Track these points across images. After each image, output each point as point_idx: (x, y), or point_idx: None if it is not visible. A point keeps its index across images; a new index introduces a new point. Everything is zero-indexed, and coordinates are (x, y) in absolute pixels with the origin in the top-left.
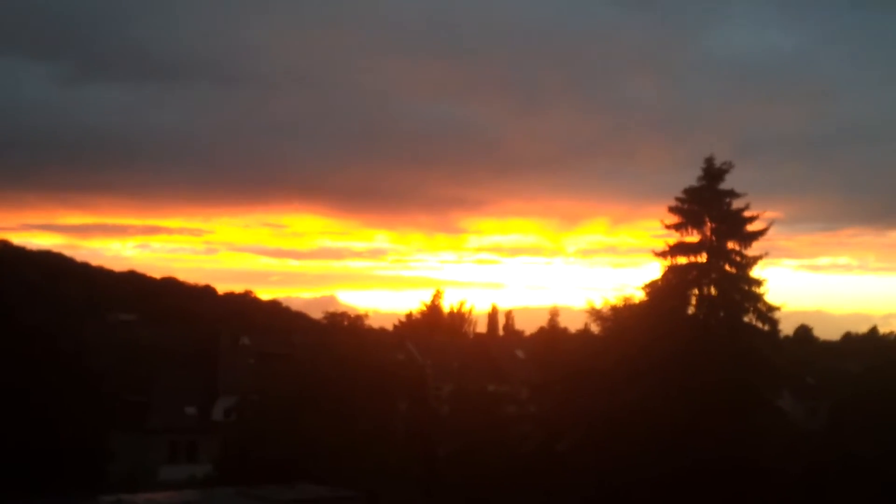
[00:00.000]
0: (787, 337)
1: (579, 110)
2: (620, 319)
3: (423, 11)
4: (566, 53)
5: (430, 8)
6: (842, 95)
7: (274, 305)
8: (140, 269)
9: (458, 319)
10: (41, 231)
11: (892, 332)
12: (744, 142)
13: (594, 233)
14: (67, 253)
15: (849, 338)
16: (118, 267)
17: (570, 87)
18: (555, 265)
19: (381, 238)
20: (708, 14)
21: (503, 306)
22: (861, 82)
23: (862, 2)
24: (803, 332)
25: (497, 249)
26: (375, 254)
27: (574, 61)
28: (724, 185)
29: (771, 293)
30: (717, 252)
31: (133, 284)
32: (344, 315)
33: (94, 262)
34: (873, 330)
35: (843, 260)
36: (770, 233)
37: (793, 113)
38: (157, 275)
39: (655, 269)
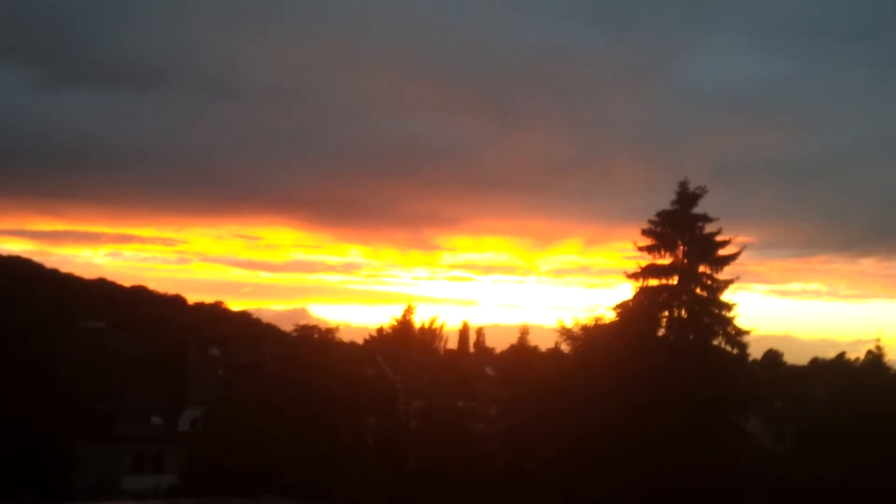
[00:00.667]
0: (755, 361)
1: (557, 131)
2: (591, 339)
3: (404, 30)
4: (545, 75)
5: (410, 26)
6: (817, 124)
7: (244, 317)
8: (111, 278)
9: (430, 335)
10: (11, 237)
11: (858, 359)
12: (720, 166)
13: (568, 253)
14: (37, 259)
15: (816, 363)
16: (88, 274)
17: (549, 108)
18: (528, 284)
19: (354, 252)
20: (687, 40)
21: (475, 323)
22: (836, 112)
23: (837, 32)
24: (772, 357)
25: (470, 267)
26: (349, 268)
27: (553, 83)
28: (698, 210)
29: (741, 317)
30: (688, 275)
31: (103, 292)
32: (314, 328)
33: (65, 269)
34: (840, 356)
35: (813, 286)
36: (742, 257)
37: (769, 140)
38: (128, 283)
39: (627, 291)
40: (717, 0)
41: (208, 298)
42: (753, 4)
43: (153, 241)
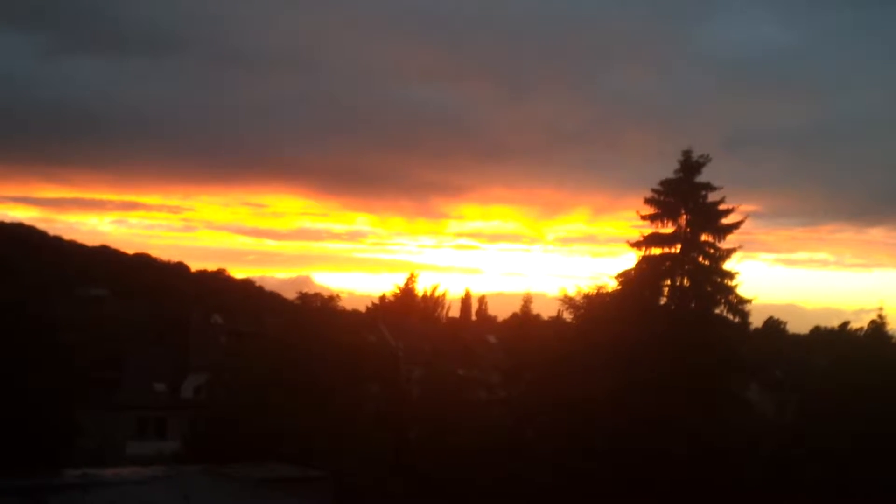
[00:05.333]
0: (757, 329)
1: (566, 99)
2: (593, 308)
3: None
4: (556, 42)
5: None
6: (830, 92)
7: (247, 284)
8: (115, 245)
9: (432, 303)
10: (16, 203)
11: (861, 328)
12: (730, 135)
13: (575, 222)
14: (42, 226)
15: (818, 332)
16: (93, 242)
17: (558, 76)
18: (533, 253)
19: (361, 221)
20: (700, 7)
21: (478, 292)
22: (850, 80)
23: (852, 1)
24: (773, 325)
25: (477, 235)
26: (354, 236)
27: (563, 50)
28: (702, 178)
29: (745, 286)
30: (691, 244)
31: (106, 259)
32: (316, 296)
33: (69, 236)
34: (844, 325)
35: (820, 255)
36: (749, 226)
37: (781, 108)
38: (133, 250)
39: (632, 260)
40: None
41: (213, 266)
42: None
43: (159, 208)
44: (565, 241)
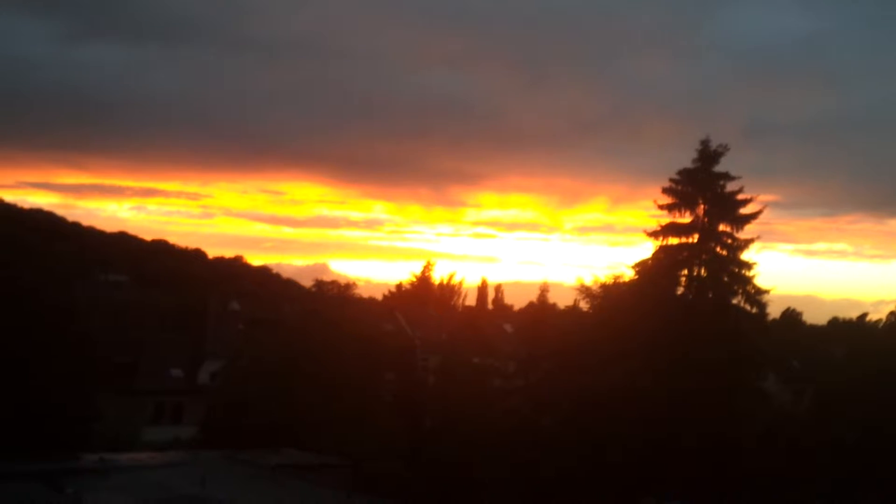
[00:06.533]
0: (774, 320)
1: (586, 87)
2: (610, 297)
3: None
4: (576, 29)
5: None
6: (851, 82)
7: (264, 272)
8: (133, 231)
9: (448, 292)
10: (37, 189)
11: (880, 320)
12: (751, 124)
13: (593, 211)
14: (61, 212)
15: (835, 323)
16: (111, 228)
17: (578, 64)
18: (551, 242)
19: (378, 208)
20: None
21: (495, 280)
22: (871, 70)
23: None
24: (791, 316)
25: (494, 224)
26: (372, 224)
27: (583, 38)
28: (720, 168)
29: (763, 276)
30: (708, 234)
31: (124, 246)
32: (333, 284)
33: (88, 222)
34: (862, 316)
35: (839, 246)
36: (769, 217)
37: (800, 97)
38: (151, 237)
39: (649, 249)
40: None
41: (230, 253)
42: None
43: (177, 195)
44: (583, 230)
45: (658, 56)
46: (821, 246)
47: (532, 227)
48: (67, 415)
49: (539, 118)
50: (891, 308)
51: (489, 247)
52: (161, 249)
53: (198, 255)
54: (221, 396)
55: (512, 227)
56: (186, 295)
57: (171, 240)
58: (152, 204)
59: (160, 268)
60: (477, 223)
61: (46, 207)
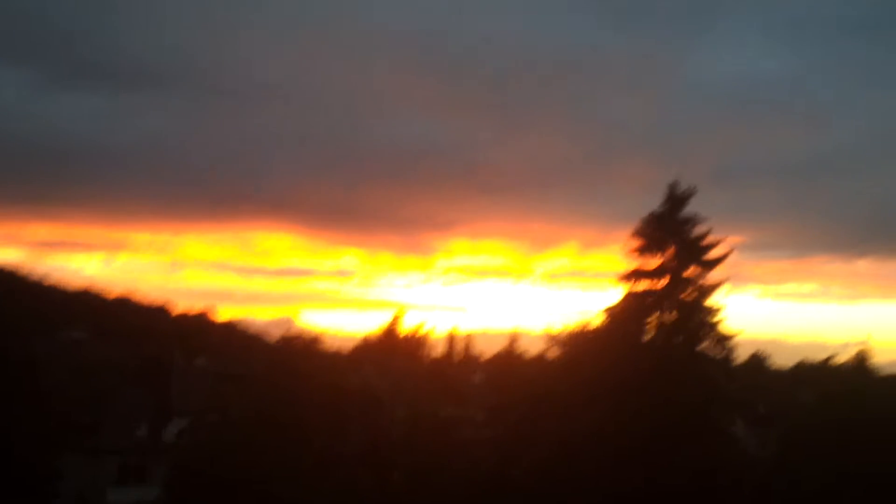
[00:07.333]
0: (742, 364)
1: (560, 132)
2: (579, 344)
3: (405, 28)
4: (551, 75)
5: (411, 24)
6: (821, 123)
7: (231, 325)
8: (102, 285)
9: (417, 342)
10: (1, 244)
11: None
12: (721, 166)
13: (564, 256)
14: (27, 267)
15: (802, 366)
16: (79, 282)
17: (553, 109)
18: (522, 288)
19: (350, 257)
20: (695, 38)
21: (466, 329)
22: (841, 111)
23: (850, 30)
24: (757, 360)
25: (465, 271)
26: (343, 273)
27: (559, 83)
28: (689, 210)
29: (730, 320)
30: (676, 278)
31: (87, 302)
32: (299, 338)
33: (54, 276)
34: (828, 358)
35: (808, 287)
36: (738, 258)
37: (771, 138)
38: (120, 291)
39: (619, 294)
40: None
41: (199, 305)
42: (766, 0)
43: (147, 247)
44: (554, 275)
45: (632, 99)
46: (789, 287)
47: (503, 273)
48: (29, 474)
49: (511, 164)
50: (857, 349)
51: (460, 294)
52: (125, 305)
53: (163, 309)
54: (188, 454)
55: (483, 273)
56: (151, 351)
57: (140, 293)
58: (121, 257)
59: (124, 324)
60: (448, 270)
61: (11, 262)
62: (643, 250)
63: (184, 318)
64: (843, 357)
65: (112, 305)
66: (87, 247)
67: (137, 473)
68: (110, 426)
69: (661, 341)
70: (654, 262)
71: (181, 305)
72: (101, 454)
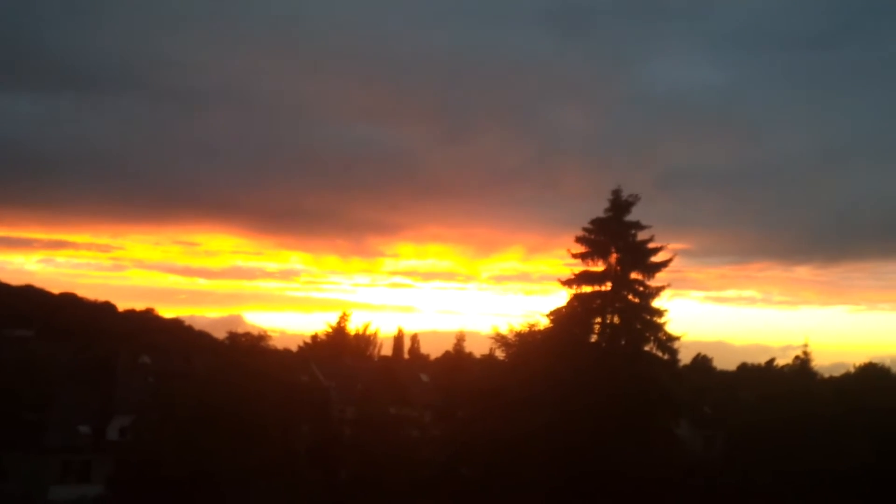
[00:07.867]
0: (685, 366)
1: (505, 138)
2: (525, 345)
3: (349, 33)
4: (496, 81)
5: (356, 30)
6: (762, 133)
7: (176, 324)
8: (42, 285)
9: (364, 342)
10: None
11: (787, 364)
12: (665, 174)
13: (509, 260)
14: None
15: (745, 368)
16: (19, 281)
17: (498, 115)
18: (468, 291)
19: (295, 259)
20: (641, 48)
21: (412, 330)
22: (779, 122)
23: (789, 44)
24: (701, 362)
25: (412, 274)
26: (288, 275)
27: (504, 89)
28: (632, 217)
29: (674, 323)
30: (620, 282)
31: (31, 299)
32: (246, 335)
33: None
34: (770, 361)
35: (749, 293)
36: (680, 264)
37: (714, 148)
38: (60, 290)
39: (564, 298)
40: (671, 9)
41: (142, 305)
42: (707, 14)
43: (87, 247)
44: (499, 279)
45: (575, 107)
46: (731, 293)
47: (449, 276)
48: None
49: (457, 169)
50: (797, 353)
51: (406, 297)
52: (69, 303)
53: (107, 308)
54: (131, 452)
55: (429, 276)
56: (95, 349)
57: (81, 293)
58: (61, 256)
59: (68, 322)
60: (394, 273)
61: None
62: (587, 255)
63: (128, 316)
64: (784, 360)
65: (56, 303)
66: (26, 246)
67: (80, 471)
68: (54, 425)
69: (605, 343)
70: (598, 266)
71: (124, 305)
72: (45, 453)
